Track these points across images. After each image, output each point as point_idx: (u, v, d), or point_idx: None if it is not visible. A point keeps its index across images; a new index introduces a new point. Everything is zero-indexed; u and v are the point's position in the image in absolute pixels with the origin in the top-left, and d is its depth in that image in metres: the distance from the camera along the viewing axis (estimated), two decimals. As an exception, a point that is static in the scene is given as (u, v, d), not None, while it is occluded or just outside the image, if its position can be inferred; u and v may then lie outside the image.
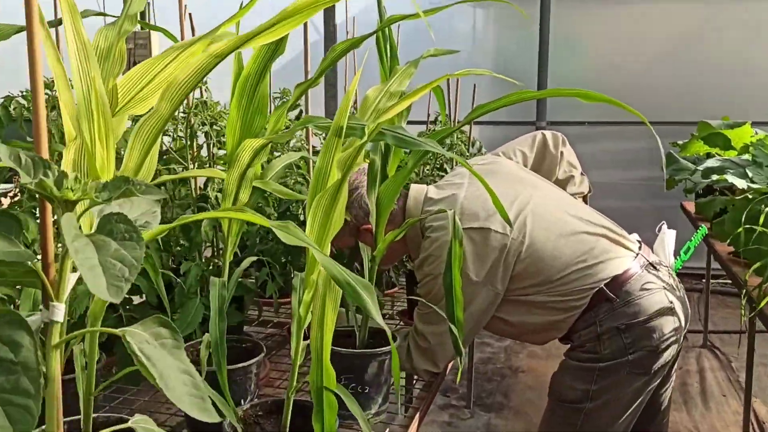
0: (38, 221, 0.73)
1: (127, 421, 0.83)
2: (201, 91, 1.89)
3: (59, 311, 0.69)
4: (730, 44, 5.95)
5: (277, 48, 1.34)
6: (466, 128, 3.09)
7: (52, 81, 1.27)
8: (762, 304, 1.88)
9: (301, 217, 2.02)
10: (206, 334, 1.29)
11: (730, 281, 4.25)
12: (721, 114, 3.58)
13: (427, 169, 2.40)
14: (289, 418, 1.25)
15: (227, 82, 1.43)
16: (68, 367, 0.86)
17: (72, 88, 0.88)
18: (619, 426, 1.85)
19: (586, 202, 2.30)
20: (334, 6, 6.69)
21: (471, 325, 1.81)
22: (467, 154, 2.73)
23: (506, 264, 1.79)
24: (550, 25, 6.22)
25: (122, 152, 1.08)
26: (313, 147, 2.09)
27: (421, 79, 1.35)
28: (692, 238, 2.14)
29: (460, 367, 1.48)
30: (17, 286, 1.22)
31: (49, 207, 0.70)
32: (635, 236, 2.00)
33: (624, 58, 6.26)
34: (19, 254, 0.62)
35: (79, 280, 0.72)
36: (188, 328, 1.62)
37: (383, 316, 1.82)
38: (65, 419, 0.73)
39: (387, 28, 1.67)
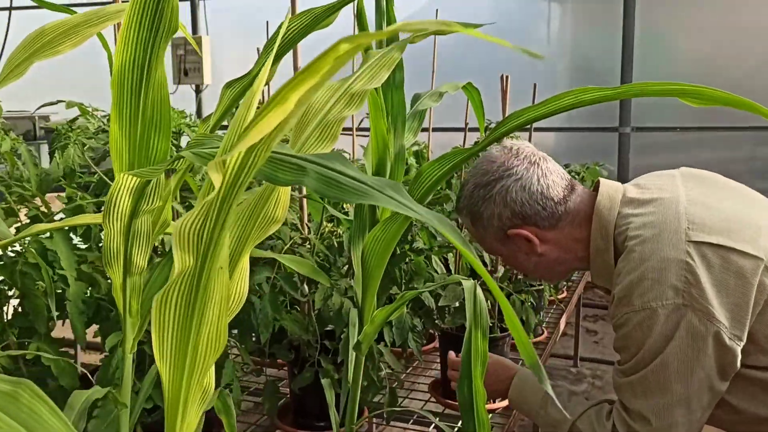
0: None
1: None
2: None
3: None
4: None
5: (163, 20, 0.80)
6: (524, 136, 2.48)
7: None
8: None
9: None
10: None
11: None
12: None
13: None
14: None
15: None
16: None
17: None
18: None
19: None
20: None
21: (704, 397, 1.23)
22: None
23: (755, 304, 1.20)
24: (635, 20, 5.48)
25: None
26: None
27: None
28: None
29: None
30: None
31: None
32: None
33: (724, 57, 5.41)
34: None
35: None
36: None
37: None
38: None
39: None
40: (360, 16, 1.04)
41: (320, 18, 0.96)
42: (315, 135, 0.77)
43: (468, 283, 0.98)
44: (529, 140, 2.20)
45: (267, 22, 2.05)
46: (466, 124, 2.13)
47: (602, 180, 1.40)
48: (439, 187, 1.11)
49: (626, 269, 1.25)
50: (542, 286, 2.24)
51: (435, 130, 2.32)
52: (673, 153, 5.67)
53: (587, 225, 1.36)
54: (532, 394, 1.43)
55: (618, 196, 1.36)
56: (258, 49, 1.93)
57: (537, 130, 6.26)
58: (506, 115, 2.24)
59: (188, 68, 6.30)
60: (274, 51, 0.79)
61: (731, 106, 0.84)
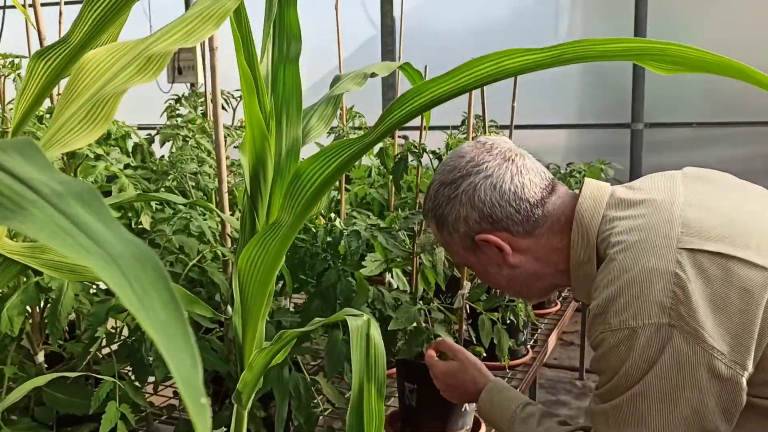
0: None
1: None
2: None
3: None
4: None
5: None
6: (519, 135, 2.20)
7: None
8: None
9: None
10: None
11: None
12: None
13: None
14: None
15: None
16: None
17: None
18: None
19: None
20: (391, -3, 5.94)
21: None
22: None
23: (764, 324, 0.97)
24: (647, 12, 5.18)
25: None
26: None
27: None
28: None
29: None
30: None
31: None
32: None
33: (743, 49, 5.07)
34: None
35: None
36: None
37: None
38: None
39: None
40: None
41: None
42: (80, 114, 0.51)
43: (356, 322, 0.72)
44: (510, 137, 1.92)
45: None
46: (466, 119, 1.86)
47: (588, 180, 1.18)
48: (328, 193, 0.84)
49: (604, 281, 1.04)
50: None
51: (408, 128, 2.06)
52: (688, 150, 5.37)
53: (568, 232, 1.14)
54: (500, 411, 1.27)
55: (604, 197, 1.14)
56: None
57: (545, 127, 6.01)
58: (484, 106, 1.98)
59: (182, 66, 6.10)
60: None
61: (711, 72, 0.57)
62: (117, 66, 0.54)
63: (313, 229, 1.28)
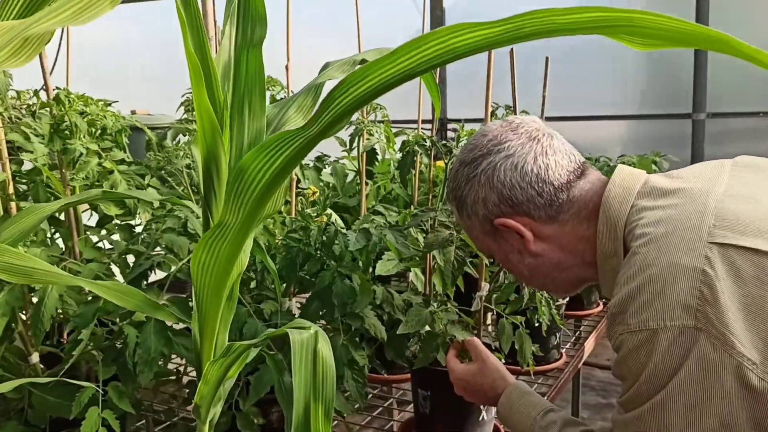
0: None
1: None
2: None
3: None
4: None
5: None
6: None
7: None
8: None
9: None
10: None
11: None
12: None
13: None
14: None
15: None
16: None
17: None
18: None
19: None
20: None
21: None
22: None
23: None
24: (709, 2, 4.91)
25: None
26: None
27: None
28: None
29: None
30: None
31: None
32: None
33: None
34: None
35: None
36: None
37: None
38: None
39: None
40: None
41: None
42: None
43: (299, 336, 0.64)
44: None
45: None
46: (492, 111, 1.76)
47: (621, 166, 1.08)
48: (278, 190, 0.76)
49: (624, 277, 0.94)
50: (558, 301, 1.85)
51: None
52: (753, 141, 5.08)
53: (596, 220, 1.04)
54: (519, 417, 1.20)
55: (635, 185, 1.03)
56: None
57: (601, 118, 5.78)
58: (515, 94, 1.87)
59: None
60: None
61: (692, 46, 0.47)
62: (-8, 48, 0.48)
63: (309, 227, 1.21)
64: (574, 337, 2.20)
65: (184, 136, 1.65)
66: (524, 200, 1.04)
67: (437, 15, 5.78)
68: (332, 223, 1.21)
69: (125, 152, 1.33)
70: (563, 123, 1.79)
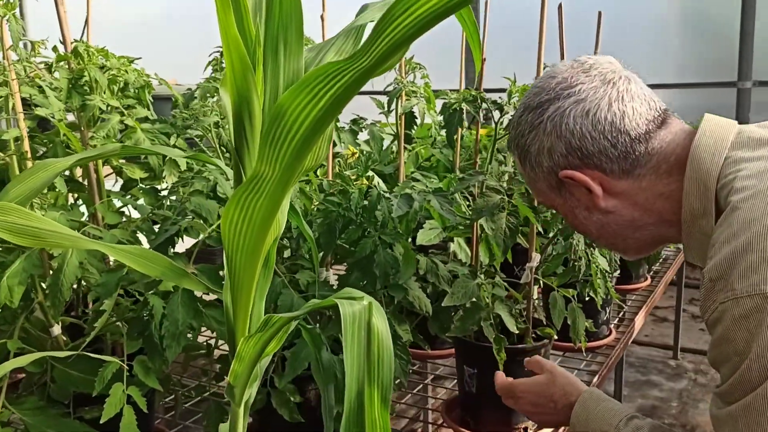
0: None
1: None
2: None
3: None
4: None
5: None
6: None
7: None
8: None
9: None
10: None
11: None
12: None
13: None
14: None
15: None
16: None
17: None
18: None
19: None
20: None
21: None
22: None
23: None
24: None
25: None
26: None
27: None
28: None
29: None
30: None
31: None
32: None
33: None
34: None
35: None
36: None
37: None
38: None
39: None
40: None
41: None
42: None
43: (350, 308, 0.54)
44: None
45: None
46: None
47: (708, 115, 0.96)
48: (322, 137, 0.64)
49: (724, 236, 0.83)
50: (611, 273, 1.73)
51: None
52: (803, 111, 4.85)
53: (678, 175, 0.92)
54: (598, 426, 1.07)
55: (728, 135, 0.92)
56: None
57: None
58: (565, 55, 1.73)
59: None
60: None
61: None
62: None
63: (350, 190, 1.10)
64: (622, 312, 2.09)
65: (212, 97, 1.55)
66: (595, 152, 0.92)
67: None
68: (375, 186, 1.10)
69: (149, 110, 1.23)
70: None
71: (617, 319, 2.00)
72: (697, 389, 3.45)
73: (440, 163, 1.86)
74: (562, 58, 1.74)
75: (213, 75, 1.59)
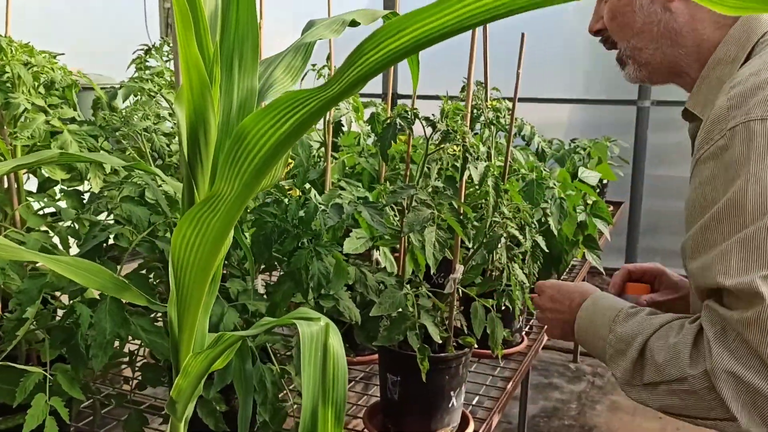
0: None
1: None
2: None
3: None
4: None
5: None
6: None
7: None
8: None
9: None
10: None
11: None
12: None
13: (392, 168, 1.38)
14: None
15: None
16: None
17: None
18: None
19: None
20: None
21: None
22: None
23: None
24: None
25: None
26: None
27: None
28: None
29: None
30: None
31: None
32: None
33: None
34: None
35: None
36: None
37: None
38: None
39: None
40: None
41: None
42: None
43: (309, 329, 0.56)
44: (513, 111, 1.73)
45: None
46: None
47: None
48: (283, 159, 0.66)
49: (751, 70, 0.87)
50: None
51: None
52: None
53: (733, 20, 0.97)
54: (601, 314, 1.05)
55: (760, 25, 0.97)
56: None
57: (548, 101, 5.78)
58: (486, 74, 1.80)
59: (172, 23, 5.87)
60: None
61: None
62: None
63: (285, 201, 1.11)
64: (532, 320, 2.18)
65: (135, 96, 1.51)
66: None
67: (391, -13, 5.66)
68: (312, 197, 1.11)
69: (75, 110, 1.19)
70: (508, 103, 1.74)
71: (528, 326, 2.09)
72: (594, 391, 3.64)
73: (365, 171, 1.89)
74: (486, 74, 1.81)
75: (138, 75, 1.55)
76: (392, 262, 1.56)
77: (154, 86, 1.38)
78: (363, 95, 4.43)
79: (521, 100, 1.76)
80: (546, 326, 1.24)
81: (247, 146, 0.58)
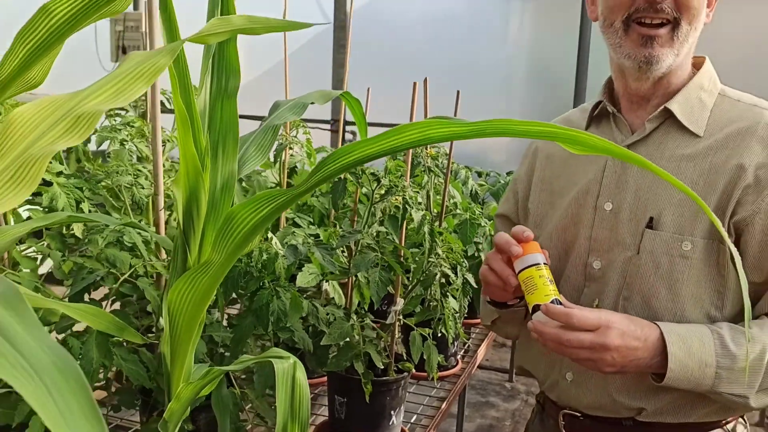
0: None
1: None
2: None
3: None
4: None
5: None
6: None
7: None
8: None
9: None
10: None
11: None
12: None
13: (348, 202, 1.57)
14: None
15: None
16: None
17: None
18: None
19: None
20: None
21: None
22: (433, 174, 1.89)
23: None
24: (590, 30, 5.32)
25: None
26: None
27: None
28: None
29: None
30: None
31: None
32: None
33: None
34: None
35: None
36: None
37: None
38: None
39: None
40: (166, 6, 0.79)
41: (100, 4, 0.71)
42: (7, 175, 0.52)
43: (282, 365, 0.75)
44: (449, 157, 1.96)
45: None
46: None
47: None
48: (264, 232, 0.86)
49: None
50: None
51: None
52: (624, 162, 5.54)
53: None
54: (698, 343, 1.06)
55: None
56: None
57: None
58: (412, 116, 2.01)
59: (127, 46, 5.95)
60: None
61: (609, 155, 0.62)
62: (45, 124, 0.55)
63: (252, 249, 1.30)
64: (466, 345, 2.40)
65: (108, 141, 1.67)
66: None
67: (340, 18, 5.89)
68: (274, 245, 1.30)
69: (62, 163, 1.34)
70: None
71: (462, 350, 2.30)
72: (527, 409, 3.88)
73: (316, 208, 2.08)
74: (425, 109, 2.03)
75: (109, 120, 1.71)
76: (340, 294, 1.75)
77: (127, 136, 1.54)
78: (313, 121, 4.61)
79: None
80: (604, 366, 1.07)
81: (234, 226, 0.76)
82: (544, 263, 1.11)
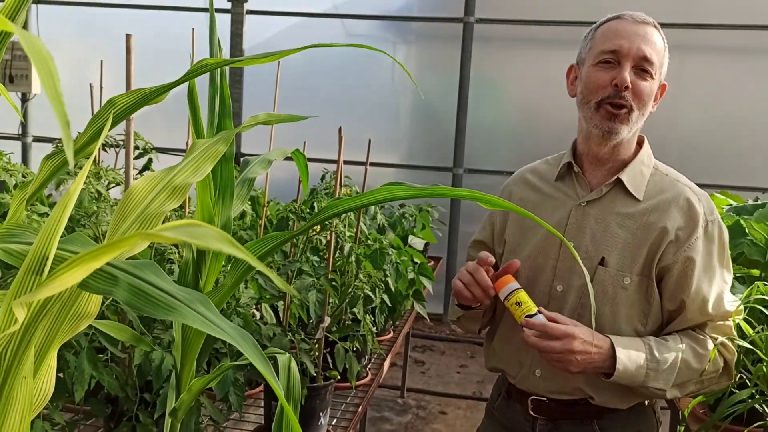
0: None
1: None
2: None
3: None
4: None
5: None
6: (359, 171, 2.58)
7: None
8: None
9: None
10: None
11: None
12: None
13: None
14: None
15: None
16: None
17: None
18: None
19: None
20: (241, 31, 6.16)
21: None
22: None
23: None
24: (470, 67, 5.86)
25: None
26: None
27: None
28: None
29: None
30: None
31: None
32: None
33: (544, 103, 5.88)
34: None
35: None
36: None
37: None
38: None
39: (219, 74, 1.16)
40: (192, 96, 1.07)
41: (149, 97, 0.98)
42: (132, 229, 0.79)
43: (282, 358, 1.04)
44: (365, 176, 2.29)
45: (101, 61, 1.99)
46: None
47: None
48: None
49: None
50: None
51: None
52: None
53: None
54: (635, 351, 1.44)
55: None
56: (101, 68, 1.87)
57: (375, 165, 6.46)
58: (338, 170, 2.34)
59: (14, 75, 5.87)
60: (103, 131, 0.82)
61: (516, 212, 0.97)
62: (152, 193, 0.83)
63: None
64: (373, 358, 2.71)
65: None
66: None
67: (237, 55, 6.11)
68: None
69: (44, 204, 1.53)
70: (333, 165, 2.19)
71: (370, 364, 2.62)
72: (418, 422, 4.23)
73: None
74: (339, 170, 2.36)
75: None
76: (272, 315, 2.03)
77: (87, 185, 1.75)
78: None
79: (350, 163, 2.28)
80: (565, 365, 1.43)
81: (239, 261, 1.05)
82: (518, 287, 1.47)
